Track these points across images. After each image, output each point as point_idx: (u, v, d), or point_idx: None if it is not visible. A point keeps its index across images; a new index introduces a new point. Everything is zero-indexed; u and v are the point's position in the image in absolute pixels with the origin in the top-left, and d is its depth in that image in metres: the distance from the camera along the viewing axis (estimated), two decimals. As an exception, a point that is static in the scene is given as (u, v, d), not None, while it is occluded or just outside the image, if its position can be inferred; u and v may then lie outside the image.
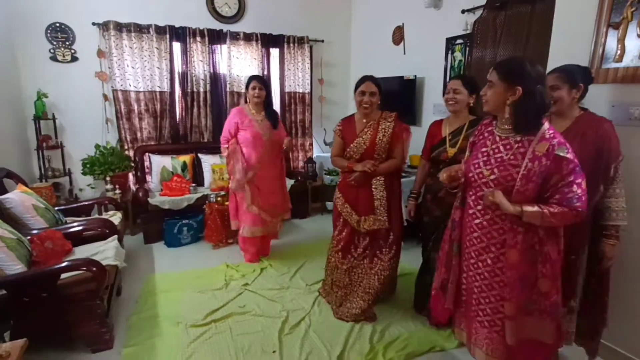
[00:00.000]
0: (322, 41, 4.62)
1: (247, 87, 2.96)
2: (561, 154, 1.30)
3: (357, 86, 2.32)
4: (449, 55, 3.35)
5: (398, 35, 3.97)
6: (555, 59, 2.02)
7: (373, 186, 2.28)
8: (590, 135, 1.60)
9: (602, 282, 1.70)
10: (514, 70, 1.37)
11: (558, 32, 2.03)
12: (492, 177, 1.41)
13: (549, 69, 2.04)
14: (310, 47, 4.53)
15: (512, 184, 1.36)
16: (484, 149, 1.47)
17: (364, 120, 2.31)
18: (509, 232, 1.40)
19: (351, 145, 2.32)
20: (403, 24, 3.89)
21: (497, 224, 1.43)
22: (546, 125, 1.35)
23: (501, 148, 1.42)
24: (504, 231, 1.42)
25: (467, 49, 3.13)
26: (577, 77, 1.61)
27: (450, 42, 3.32)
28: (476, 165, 1.47)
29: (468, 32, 3.08)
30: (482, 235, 1.47)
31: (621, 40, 1.73)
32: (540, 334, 1.43)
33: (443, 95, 2.40)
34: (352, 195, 2.34)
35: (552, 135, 1.33)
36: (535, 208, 1.32)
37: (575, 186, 1.30)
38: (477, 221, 1.48)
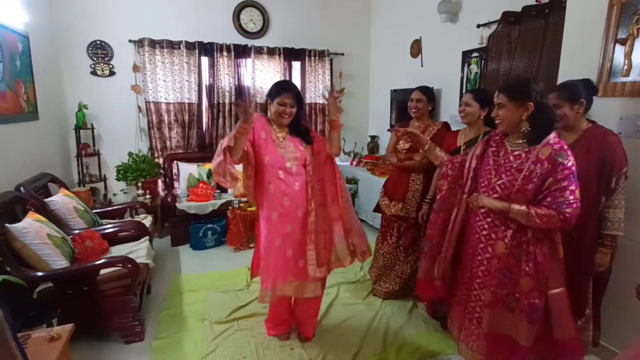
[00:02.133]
0: (342, 54, 4.79)
1: (271, 97, 1.98)
2: (560, 159, 1.38)
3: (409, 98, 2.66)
4: (465, 68, 3.43)
5: (416, 49, 4.09)
6: (565, 72, 2.09)
7: (410, 178, 2.58)
8: (595, 148, 1.67)
9: (599, 286, 1.78)
10: (521, 89, 1.47)
11: (568, 47, 2.10)
12: (500, 182, 1.50)
13: (559, 81, 2.13)
14: (331, 60, 4.70)
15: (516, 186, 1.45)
16: (495, 158, 1.56)
17: (416, 124, 2.64)
18: (501, 226, 1.49)
19: (400, 142, 2.67)
20: (421, 37, 4.01)
21: (495, 226, 1.52)
22: (552, 134, 1.44)
23: (511, 158, 1.51)
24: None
25: (483, 61, 3.21)
26: (578, 93, 1.68)
27: (466, 55, 3.41)
28: (487, 172, 1.57)
29: (483, 45, 3.17)
30: (482, 237, 1.56)
31: (628, 56, 1.79)
32: (515, 332, 1.49)
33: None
34: (391, 186, 2.72)
35: (556, 141, 1.42)
36: (523, 207, 1.41)
37: (567, 192, 1.37)
38: (479, 223, 1.57)
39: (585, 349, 1.81)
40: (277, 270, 1.96)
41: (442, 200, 1.76)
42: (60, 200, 2.74)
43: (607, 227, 1.70)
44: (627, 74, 1.80)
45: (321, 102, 4.72)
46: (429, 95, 2.60)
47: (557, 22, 2.43)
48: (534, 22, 2.69)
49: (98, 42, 3.84)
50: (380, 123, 4.82)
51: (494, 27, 3.04)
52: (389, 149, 2.79)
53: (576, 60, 2.05)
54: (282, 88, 1.96)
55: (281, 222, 1.96)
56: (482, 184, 1.58)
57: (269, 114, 2.01)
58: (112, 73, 3.93)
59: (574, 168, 1.39)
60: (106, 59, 3.89)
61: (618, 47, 1.83)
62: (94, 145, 3.90)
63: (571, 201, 1.37)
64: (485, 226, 1.55)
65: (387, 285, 2.69)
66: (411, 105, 2.61)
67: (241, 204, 3.67)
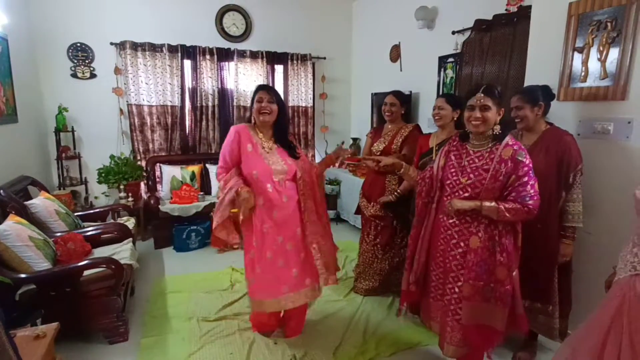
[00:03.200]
0: (324, 58, 4.89)
1: (251, 101, 2.05)
2: (520, 158, 1.54)
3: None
4: (442, 72, 3.57)
5: (395, 53, 4.22)
6: (531, 77, 2.24)
7: (387, 179, 2.65)
8: (553, 148, 1.82)
9: (567, 276, 1.92)
10: (499, 95, 1.62)
11: (532, 54, 2.25)
12: (469, 182, 1.62)
13: (525, 85, 2.28)
14: (313, 64, 4.79)
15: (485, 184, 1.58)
16: (458, 161, 1.68)
17: (389, 127, 2.75)
18: (474, 222, 1.62)
19: (374, 144, 2.76)
20: (399, 42, 4.14)
21: (467, 222, 1.63)
22: (508, 136, 1.60)
23: (475, 159, 1.64)
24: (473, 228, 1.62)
25: (458, 66, 3.35)
26: (538, 96, 1.84)
27: (442, 60, 3.55)
28: (453, 174, 1.68)
29: (458, 51, 3.31)
30: (454, 233, 1.67)
31: (585, 63, 1.94)
32: (492, 320, 1.62)
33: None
34: (368, 187, 2.80)
35: (514, 142, 1.59)
36: (493, 203, 1.54)
37: (528, 186, 1.53)
38: (451, 221, 1.68)
39: (552, 334, 1.94)
40: (269, 284, 2.01)
41: (418, 216, 1.86)
42: (41, 203, 2.72)
43: (568, 220, 1.85)
44: (584, 79, 1.95)
45: (304, 105, 4.80)
46: (402, 99, 2.72)
47: (524, 30, 2.58)
48: (504, 29, 2.85)
49: (79, 44, 3.82)
50: (362, 126, 4.93)
51: (467, 33, 3.19)
52: (364, 152, 2.90)
53: (540, 66, 2.19)
54: (259, 88, 2.02)
55: (272, 233, 1.99)
56: (450, 186, 1.70)
57: (252, 120, 2.06)
58: (93, 75, 3.92)
59: (531, 165, 1.55)
60: (87, 61, 3.88)
61: (576, 55, 1.98)
62: (74, 148, 3.87)
63: (532, 194, 1.53)
64: (457, 222, 1.66)
65: (367, 283, 2.77)
66: (385, 109, 2.72)
67: (225, 206, 3.70)
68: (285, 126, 2.10)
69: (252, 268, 2.07)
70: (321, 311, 2.54)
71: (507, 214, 1.53)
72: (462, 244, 1.65)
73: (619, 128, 1.83)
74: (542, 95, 1.84)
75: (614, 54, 1.82)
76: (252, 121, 2.07)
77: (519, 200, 1.53)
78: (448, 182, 1.70)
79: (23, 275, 2.01)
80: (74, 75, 3.85)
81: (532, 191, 1.53)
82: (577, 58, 1.97)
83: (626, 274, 1.31)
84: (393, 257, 2.69)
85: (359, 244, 2.91)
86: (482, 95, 1.58)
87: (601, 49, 1.86)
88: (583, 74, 1.95)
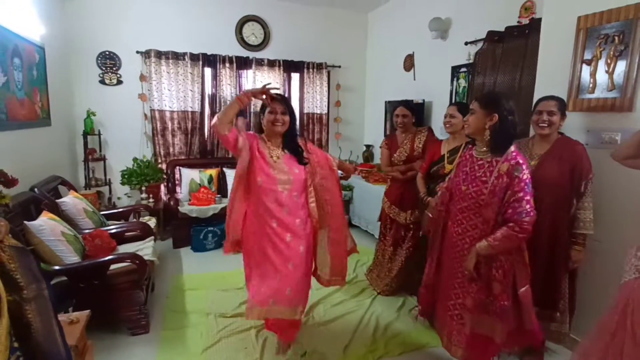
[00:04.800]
0: (339, 67, 5.01)
1: (262, 110, 2.03)
2: (516, 173, 1.55)
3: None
4: (454, 82, 3.65)
5: (409, 63, 4.31)
6: (541, 87, 2.30)
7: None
8: (566, 157, 1.87)
9: (572, 282, 1.95)
10: (491, 100, 1.66)
11: (542, 65, 2.32)
12: (468, 191, 1.69)
13: (536, 97, 2.34)
14: (328, 72, 4.92)
15: (482, 197, 1.63)
16: (464, 169, 1.75)
17: (402, 135, 2.86)
18: (475, 235, 1.67)
19: (395, 155, 2.85)
20: (413, 52, 4.23)
21: (469, 232, 1.69)
22: (512, 148, 1.62)
23: (476, 167, 1.70)
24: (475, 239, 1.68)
25: (470, 76, 3.42)
26: (565, 108, 1.92)
27: (455, 70, 3.63)
28: (457, 182, 1.76)
29: (471, 61, 3.39)
30: (459, 242, 1.74)
31: (593, 75, 2.00)
32: (491, 331, 1.67)
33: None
34: (398, 196, 2.85)
35: (513, 156, 1.59)
36: (483, 242, 1.58)
37: (524, 202, 1.53)
38: (457, 229, 1.75)
39: (562, 340, 1.98)
40: (261, 297, 1.91)
41: (436, 223, 1.94)
42: (71, 201, 2.90)
43: (580, 227, 1.89)
44: (592, 91, 2.01)
45: (318, 112, 4.93)
46: (412, 108, 2.82)
47: (535, 42, 2.64)
48: (516, 41, 2.91)
49: (107, 52, 4.04)
50: (375, 133, 5.02)
51: (480, 44, 3.26)
52: (385, 163, 2.97)
53: (550, 77, 2.26)
54: (271, 98, 1.95)
55: (269, 246, 1.96)
56: (456, 195, 1.76)
57: (263, 129, 2.01)
58: (119, 82, 4.13)
59: (527, 180, 1.55)
60: (114, 68, 4.09)
61: (585, 67, 2.04)
62: (100, 151, 4.07)
63: (528, 210, 1.53)
64: (460, 231, 1.73)
65: (389, 284, 2.86)
66: (397, 121, 2.82)
67: (241, 208, 3.83)
68: (294, 134, 2.05)
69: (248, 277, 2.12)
70: (331, 312, 2.63)
71: (499, 243, 1.55)
72: (466, 253, 1.70)
73: (626, 138, 1.87)
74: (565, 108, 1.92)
75: (621, 66, 1.87)
76: (257, 129, 2.09)
77: (515, 216, 1.53)
78: (455, 190, 1.78)
79: (56, 267, 2.16)
80: (102, 82, 4.06)
81: (527, 207, 1.53)
82: (586, 70, 2.03)
83: (630, 277, 1.36)
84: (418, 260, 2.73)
85: (377, 248, 2.99)
86: (473, 101, 1.70)
87: (609, 61, 1.92)
88: (591, 85, 2.01)
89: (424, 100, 3.95)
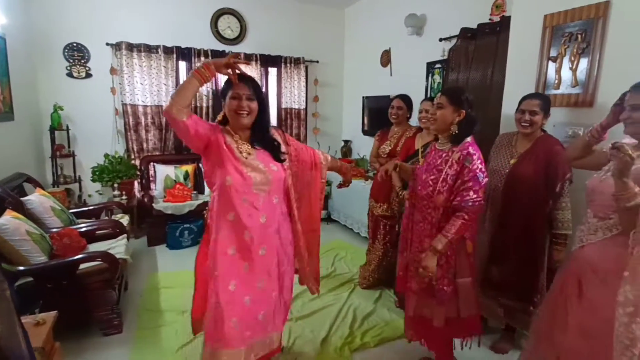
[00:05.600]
0: (317, 62, 5.00)
1: (223, 95, 1.59)
2: (466, 163, 1.61)
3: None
4: (430, 78, 3.71)
5: (385, 58, 4.35)
6: (510, 84, 2.37)
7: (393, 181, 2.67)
8: (542, 156, 1.90)
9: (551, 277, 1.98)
10: (459, 96, 1.70)
11: (512, 62, 2.39)
12: (427, 180, 1.75)
13: (505, 93, 2.41)
14: (306, 67, 4.90)
15: (437, 185, 1.69)
16: (429, 159, 1.81)
17: (395, 129, 2.86)
18: (426, 224, 1.74)
19: (381, 147, 2.86)
20: (390, 48, 4.27)
21: (428, 219, 1.74)
22: (468, 138, 1.68)
23: (437, 157, 1.75)
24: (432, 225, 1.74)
25: (444, 72, 3.49)
26: (549, 107, 1.92)
27: (430, 66, 3.69)
28: (420, 172, 1.83)
29: (445, 57, 3.45)
30: (418, 228, 1.80)
31: (558, 71, 2.08)
32: (431, 314, 1.74)
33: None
34: (375, 188, 2.88)
35: (466, 147, 1.65)
36: (441, 238, 1.61)
37: (472, 192, 1.59)
38: (418, 216, 1.81)
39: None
40: (230, 328, 1.51)
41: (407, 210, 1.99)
42: (37, 199, 2.78)
43: (559, 227, 1.91)
44: (558, 87, 2.09)
45: (296, 107, 4.91)
46: (408, 103, 2.84)
47: (506, 39, 2.70)
48: (488, 38, 2.99)
49: (74, 44, 3.87)
50: (353, 128, 5.06)
51: (454, 41, 3.32)
52: (372, 154, 3.00)
53: (518, 73, 2.33)
54: (238, 77, 1.53)
55: (238, 259, 1.56)
56: (418, 184, 1.81)
57: (227, 118, 1.60)
58: (88, 75, 3.97)
59: (477, 170, 1.60)
60: (82, 61, 3.93)
61: (550, 64, 2.11)
62: (69, 147, 3.92)
63: (474, 199, 1.59)
64: (420, 218, 1.79)
65: (374, 278, 2.90)
66: (392, 112, 2.81)
67: (218, 205, 3.78)
68: (266, 125, 1.65)
69: (205, 294, 1.59)
70: (310, 306, 2.64)
71: (454, 236, 1.59)
72: (424, 239, 1.76)
73: (573, 140, 1.94)
74: (549, 107, 1.92)
75: (583, 63, 1.96)
76: (219, 120, 1.64)
77: (464, 203, 1.59)
78: (417, 179, 1.85)
79: (21, 268, 2.08)
80: (70, 75, 3.90)
81: (475, 196, 1.58)
82: (552, 67, 2.11)
83: (576, 247, 1.45)
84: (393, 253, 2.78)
85: (369, 247, 2.98)
86: (440, 95, 1.73)
87: (572, 58, 2.00)
88: (556, 81, 2.09)
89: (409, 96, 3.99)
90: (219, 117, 1.65)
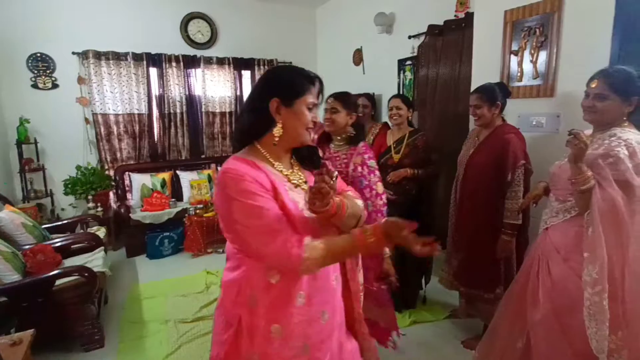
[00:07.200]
0: (290, 63, 4.99)
1: (287, 96, 1.06)
2: (370, 163, 1.74)
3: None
4: (401, 75, 3.78)
5: (358, 57, 4.41)
6: (477, 77, 2.45)
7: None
8: (494, 145, 1.95)
9: (510, 267, 1.99)
10: (351, 101, 1.82)
11: (477, 57, 2.48)
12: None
13: (472, 87, 2.48)
14: (279, 69, 4.90)
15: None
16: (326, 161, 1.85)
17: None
18: None
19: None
20: (361, 47, 4.33)
21: None
22: (362, 143, 1.81)
23: (335, 160, 1.80)
24: None
25: (415, 68, 3.57)
26: (496, 96, 1.95)
27: (401, 63, 3.76)
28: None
29: (415, 54, 3.53)
30: None
31: (520, 64, 2.17)
32: (376, 316, 1.76)
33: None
34: None
35: (364, 150, 1.78)
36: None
37: (374, 191, 1.73)
38: None
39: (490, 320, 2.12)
40: None
41: None
42: (7, 216, 2.68)
43: (506, 217, 1.87)
44: (520, 79, 2.18)
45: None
46: (372, 100, 2.89)
47: (471, 35, 2.79)
48: (454, 34, 3.08)
49: (39, 54, 3.75)
50: (330, 127, 5.09)
51: (422, 38, 3.40)
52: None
53: (484, 67, 2.41)
54: (311, 80, 1.10)
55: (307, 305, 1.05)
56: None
57: (257, 147, 1.07)
58: (55, 86, 3.85)
59: (376, 171, 1.76)
60: (48, 71, 3.81)
61: (512, 57, 2.20)
62: (37, 160, 3.79)
63: (380, 193, 1.74)
64: None
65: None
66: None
67: (197, 211, 3.74)
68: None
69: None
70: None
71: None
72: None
73: (550, 122, 2.05)
74: (499, 94, 1.95)
75: (542, 56, 2.05)
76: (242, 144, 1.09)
77: (369, 202, 1.69)
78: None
79: (-7, 288, 2.01)
80: (35, 86, 3.77)
81: (374, 192, 1.73)
82: (514, 60, 2.20)
83: (541, 229, 1.53)
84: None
85: None
86: (332, 99, 1.80)
87: (532, 52, 2.09)
88: (519, 74, 2.18)
89: (374, 93, 4.03)
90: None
